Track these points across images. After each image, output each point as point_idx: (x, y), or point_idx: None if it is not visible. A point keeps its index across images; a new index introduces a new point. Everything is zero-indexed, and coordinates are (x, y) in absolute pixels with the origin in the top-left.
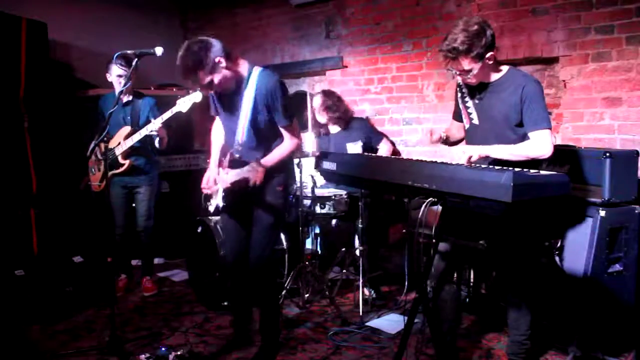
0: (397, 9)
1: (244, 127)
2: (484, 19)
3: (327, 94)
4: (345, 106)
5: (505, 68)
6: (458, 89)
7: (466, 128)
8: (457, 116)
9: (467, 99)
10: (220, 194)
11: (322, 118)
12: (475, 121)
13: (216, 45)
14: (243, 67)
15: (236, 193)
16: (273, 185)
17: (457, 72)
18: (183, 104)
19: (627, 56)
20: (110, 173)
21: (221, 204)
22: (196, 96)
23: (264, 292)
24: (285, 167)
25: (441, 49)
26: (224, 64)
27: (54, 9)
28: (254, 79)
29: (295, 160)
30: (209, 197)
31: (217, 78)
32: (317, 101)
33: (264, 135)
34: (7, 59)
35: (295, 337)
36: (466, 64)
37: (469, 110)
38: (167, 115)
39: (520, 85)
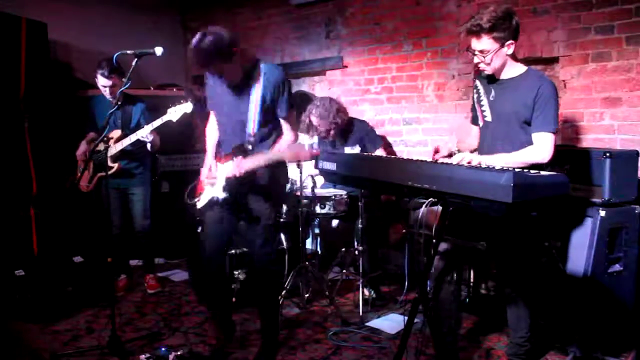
0: (397, 9)
1: (254, 119)
2: (513, 9)
3: (324, 113)
4: (344, 118)
5: (523, 68)
6: (474, 90)
7: (480, 127)
8: (475, 120)
9: (482, 97)
10: (220, 186)
11: (321, 129)
12: (489, 118)
13: (230, 35)
14: (251, 59)
15: (237, 184)
16: (272, 177)
17: (474, 53)
18: (174, 113)
19: (627, 56)
20: (99, 175)
21: (222, 196)
22: (187, 107)
23: (267, 290)
24: (281, 161)
25: (465, 25)
26: (238, 54)
27: (54, 9)
28: (262, 72)
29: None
30: (193, 194)
31: (231, 67)
32: (315, 116)
33: (271, 127)
34: (7, 59)
35: (295, 337)
36: (486, 42)
37: (482, 109)
38: (157, 123)
39: (537, 84)
